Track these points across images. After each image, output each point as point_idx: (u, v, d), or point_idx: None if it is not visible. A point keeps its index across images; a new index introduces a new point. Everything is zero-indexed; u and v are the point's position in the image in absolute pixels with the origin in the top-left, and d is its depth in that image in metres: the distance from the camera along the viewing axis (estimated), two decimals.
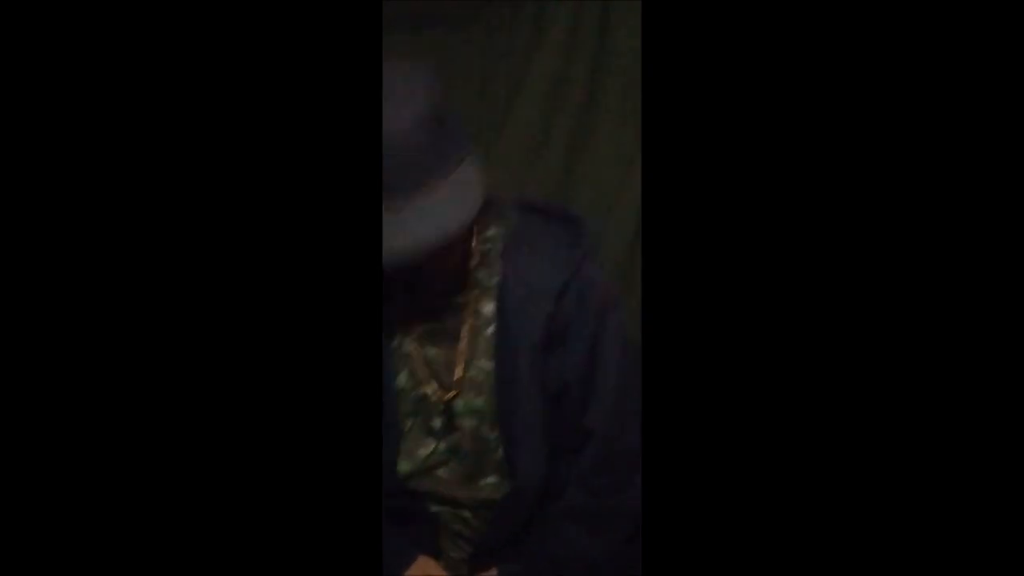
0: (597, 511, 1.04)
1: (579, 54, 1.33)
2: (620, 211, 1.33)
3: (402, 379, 1.04)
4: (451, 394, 1.03)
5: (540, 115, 1.35)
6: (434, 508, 1.07)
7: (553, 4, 1.34)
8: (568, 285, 1.01)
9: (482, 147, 1.33)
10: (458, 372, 1.03)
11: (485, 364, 1.03)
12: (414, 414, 1.04)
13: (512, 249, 1.02)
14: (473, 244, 1.02)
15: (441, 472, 1.06)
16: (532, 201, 1.08)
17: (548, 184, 1.35)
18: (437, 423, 1.04)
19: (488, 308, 1.02)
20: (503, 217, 1.04)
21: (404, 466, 1.04)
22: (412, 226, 0.89)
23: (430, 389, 1.03)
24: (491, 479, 1.06)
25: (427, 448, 1.05)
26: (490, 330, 1.03)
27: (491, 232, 1.03)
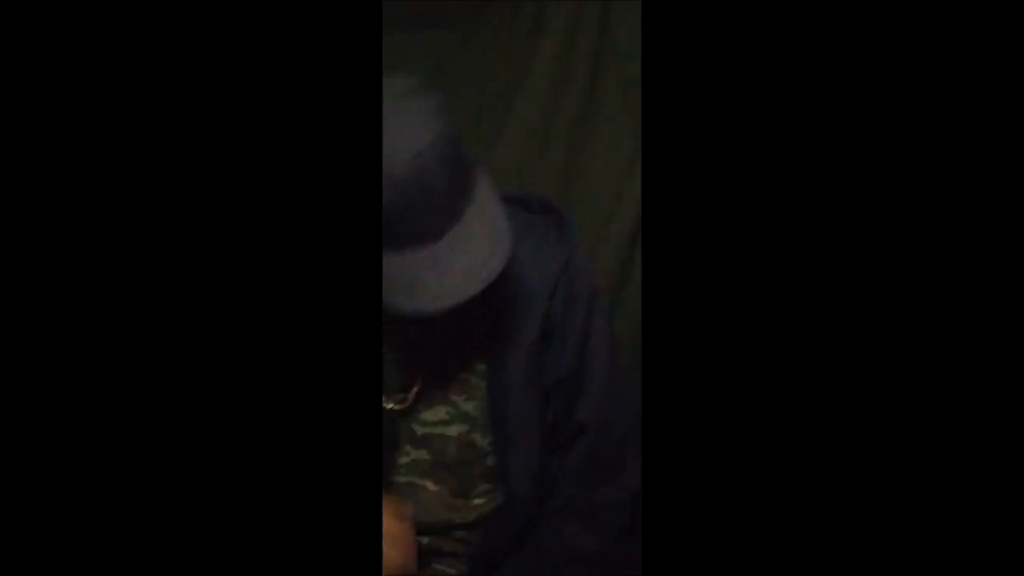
0: (591, 505, 1.03)
1: (579, 54, 1.33)
2: (620, 211, 1.33)
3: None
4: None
5: (540, 115, 1.35)
6: (424, 540, 1.04)
7: (553, 4, 1.34)
8: (559, 281, 0.98)
9: (482, 147, 1.33)
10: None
11: (477, 366, 1.01)
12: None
13: None
14: None
15: (429, 486, 1.03)
16: (510, 193, 1.01)
17: (548, 184, 1.35)
18: (417, 431, 1.02)
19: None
20: None
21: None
22: (454, 276, 0.84)
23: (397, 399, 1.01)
24: (483, 487, 1.03)
25: (406, 457, 1.03)
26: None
27: None
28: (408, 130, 0.81)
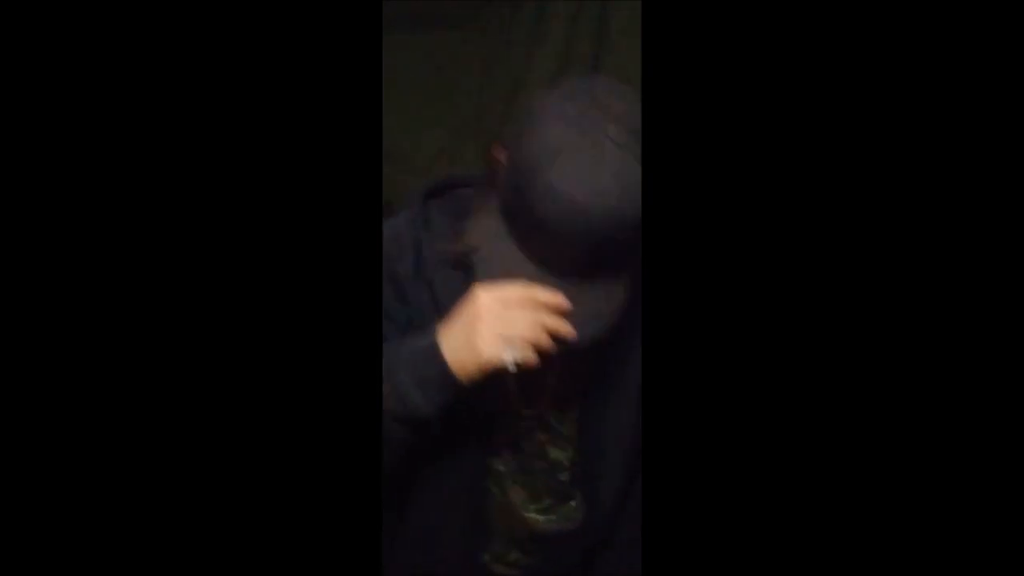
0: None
1: (579, 54, 1.34)
2: None
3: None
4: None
5: None
6: (485, 557, 1.01)
7: (553, 4, 1.34)
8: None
9: (482, 147, 1.33)
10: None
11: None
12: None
13: None
14: None
15: (501, 493, 1.00)
16: None
17: None
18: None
19: None
20: None
21: None
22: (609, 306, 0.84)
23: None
24: (548, 502, 1.00)
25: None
26: None
27: None
28: (619, 178, 0.79)
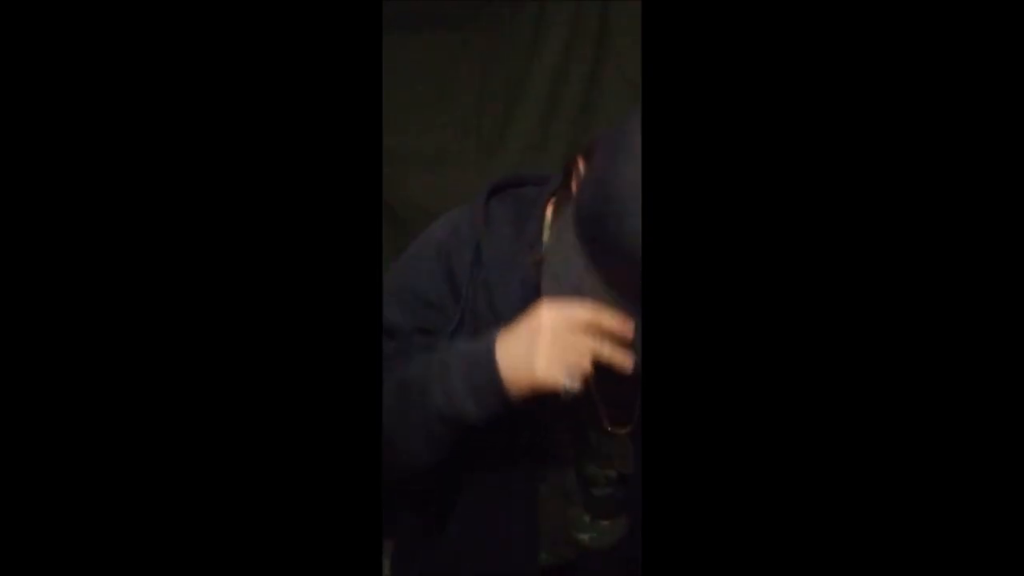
0: None
1: (579, 54, 1.34)
2: None
3: None
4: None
5: (540, 115, 1.36)
6: None
7: (553, 4, 1.34)
8: None
9: (483, 148, 1.33)
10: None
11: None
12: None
13: None
14: None
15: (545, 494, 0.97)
16: None
17: None
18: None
19: None
20: None
21: None
22: None
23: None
24: (586, 520, 0.97)
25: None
26: None
27: None
28: None
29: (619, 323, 0.80)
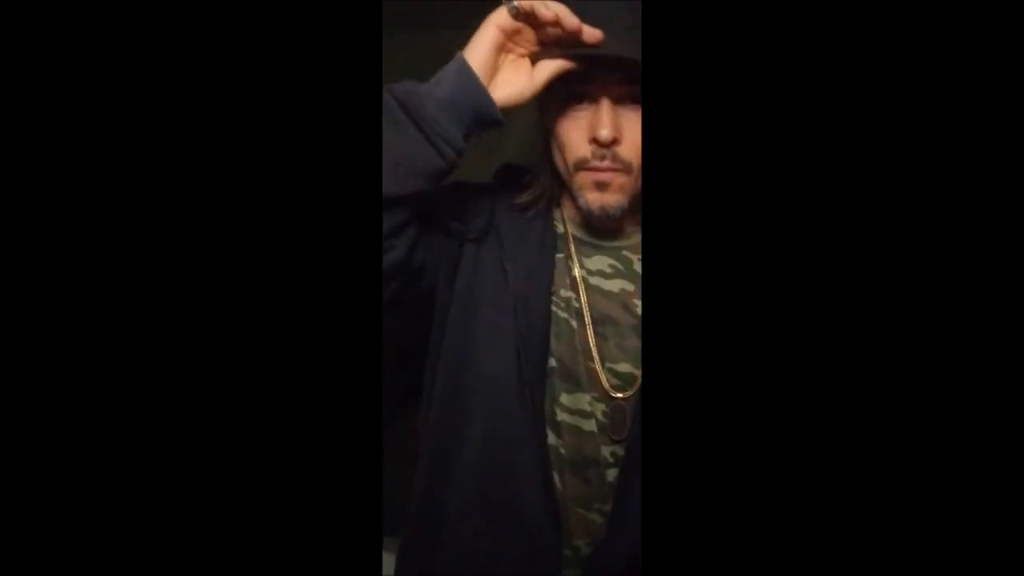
0: None
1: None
2: None
3: None
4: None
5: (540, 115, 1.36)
6: None
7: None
8: None
9: (482, 147, 1.33)
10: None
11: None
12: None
13: None
14: None
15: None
16: None
17: None
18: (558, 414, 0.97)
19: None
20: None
21: None
22: None
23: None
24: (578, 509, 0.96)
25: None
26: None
27: None
28: None
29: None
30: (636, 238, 1.01)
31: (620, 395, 0.96)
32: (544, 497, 0.94)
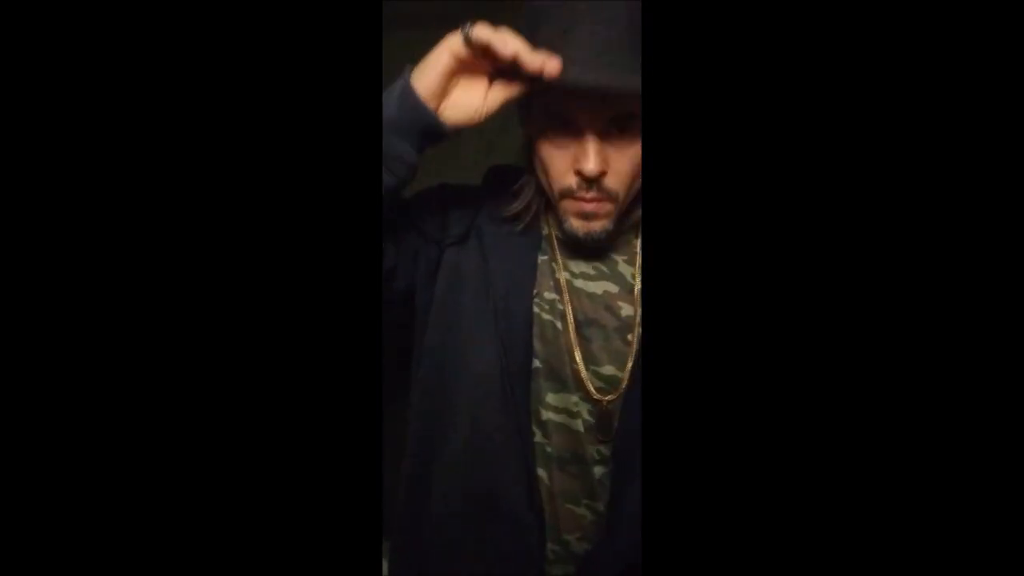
0: None
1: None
2: None
3: None
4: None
5: None
6: None
7: None
8: None
9: (483, 147, 1.33)
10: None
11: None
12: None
13: None
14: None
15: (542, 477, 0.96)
16: None
17: None
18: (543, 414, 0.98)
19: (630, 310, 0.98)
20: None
21: None
22: None
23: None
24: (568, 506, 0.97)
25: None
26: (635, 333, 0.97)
27: None
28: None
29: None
30: (621, 239, 1.00)
31: (605, 398, 0.96)
32: (528, 493, 0.95)
